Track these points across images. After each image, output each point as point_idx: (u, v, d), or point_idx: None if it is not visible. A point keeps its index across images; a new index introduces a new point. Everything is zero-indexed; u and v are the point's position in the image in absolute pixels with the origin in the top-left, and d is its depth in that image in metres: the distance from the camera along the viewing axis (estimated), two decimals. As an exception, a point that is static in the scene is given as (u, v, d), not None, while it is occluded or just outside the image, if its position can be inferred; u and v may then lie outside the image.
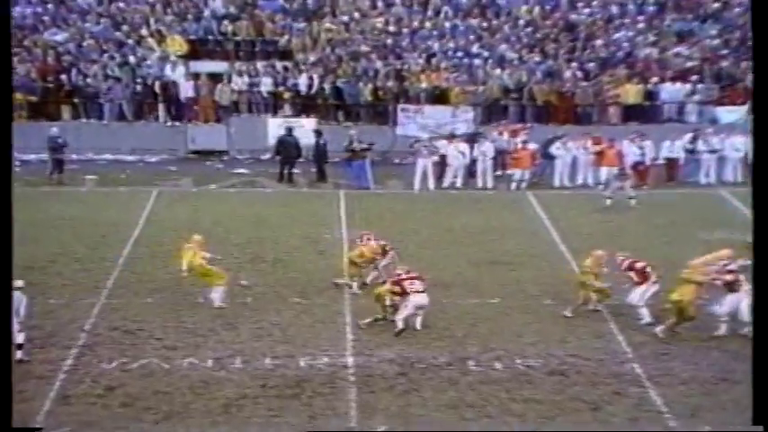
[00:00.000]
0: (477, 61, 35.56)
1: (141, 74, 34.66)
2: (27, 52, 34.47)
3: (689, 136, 30.98)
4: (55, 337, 17.62)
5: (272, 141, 32.31)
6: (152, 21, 36.61)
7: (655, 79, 34.57)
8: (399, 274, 18.41)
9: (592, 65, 35.34)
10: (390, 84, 34.55)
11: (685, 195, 28.72)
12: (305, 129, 32.41)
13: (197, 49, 36.22)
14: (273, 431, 14.66)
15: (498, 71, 35.07)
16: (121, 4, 36.74)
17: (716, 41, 35.85)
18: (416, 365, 16.71)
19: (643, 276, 18.79)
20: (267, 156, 32.68)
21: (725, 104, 33.60)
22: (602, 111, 34.50)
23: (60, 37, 35.70)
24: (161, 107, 34.50)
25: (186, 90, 34.44)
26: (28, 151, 29.74)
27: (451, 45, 36.33)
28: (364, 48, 36.07)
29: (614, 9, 37.44)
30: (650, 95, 34.44)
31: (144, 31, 36.24)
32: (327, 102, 34.50)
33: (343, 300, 19.80)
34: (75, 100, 34.09)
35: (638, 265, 18.98)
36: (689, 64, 35.12)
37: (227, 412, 15.15)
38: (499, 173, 30.59)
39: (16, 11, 34.55)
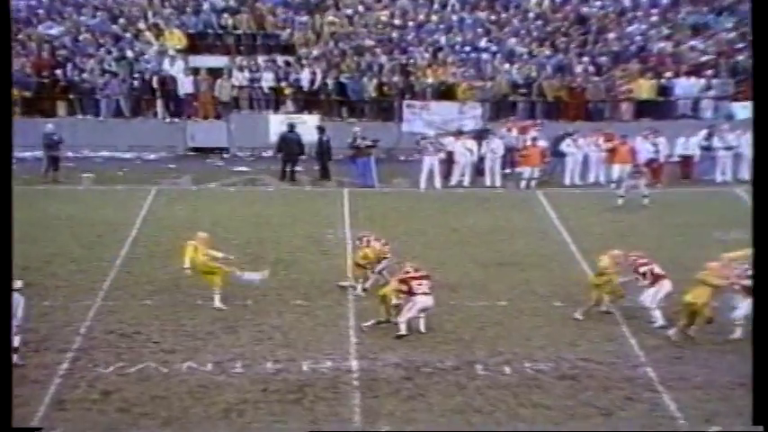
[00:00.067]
0: (485, 56, 35.55)
1: (139, 69, 34.67)
2: (21, 46, 34.51)
3: (704, 132, 30.94)
4: (50, 341, 17.65)
5: (273, 138, 32.31)
6: (150, 14, 36.66)
7: (669, 74, 34.54)
8: (408, 272, 18.35)
9: (604, 59, 35.31)
10: (395, 79, 34.53)
11: (700, 194, 28.69)
12: (307, 125, 32.39)
13: (196, 44, 36.25)
14: (275, 437, 14.70)
15: (507, 66, 35.06)
16: (119, -3, 36.83)
17: (732, 35, 35.83)
18: (422, 369, 16.72)
19: (653, 277, 18.75)
20: (269, 153, 32.70)
21: (741, 100, 33.47)
22: (615, 107, 34.50)
23: (55, 30, 35.75)
24: (159, 103, 34.49)
25: (185, 85, 34.44)
26: (22, 149, 29.59)
27: (459, 39, 36.32)
28: (368, 42, 36.08)
29: (627, 1, 37.48)
30: (664, 91, 34.41)
31: (142, 25, 36.28)
32: (331, 98, 34.48)
33: (346, 302, 19.82)
34: (71, 96, 34.10)
35: (647, 265, 18.90)
36: (704, 58, 35.09)
37: (228, 418, 15.17)
38: (508, 171, 30.59)
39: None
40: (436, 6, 37.56)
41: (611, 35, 36.28)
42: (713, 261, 18.20)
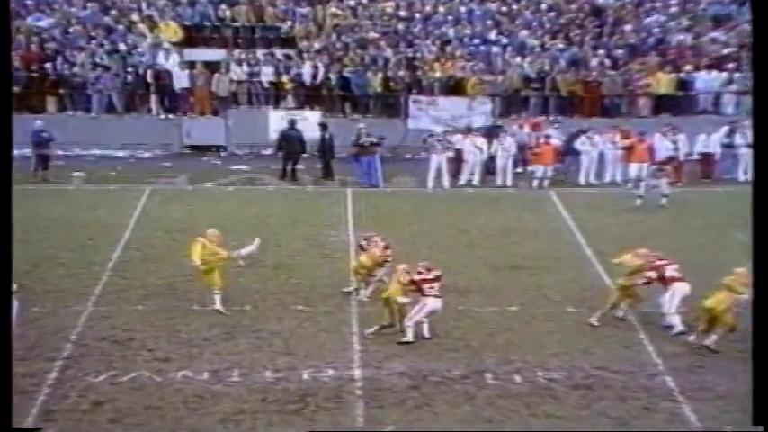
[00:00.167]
0: (495, 49, 35.59)
1: (132, 62, 34.74)
2: (9, 39, 34.54)
3: (725, 129, 30.92)
4: (38, 348, 17.64)
5: (273, 136, 32.36)
6: (144, 5, 36.77)
7: (688, 67, 34.56)
8: (420, 272, 18.32)
9: (620, 52, 35.34)
10: (401, 73, 34.57)
11: (722, 194, 28.65)
12: (309, 122, 32.42)
13: (192, 36, 36.33)
14: (274, 449, 14.73)
15: (518, 59, 35.11)
16: (111, -13, 36.91)
17: (755, 26, 35.76)
18: (429, 378, 16.71)
19: (664, 280, 18.68)
20: (268, 151, 32.75)
21: (765, 94, 33.43)
22: (632, 102, 34.52)
23: (45, 22, 35.83)
24: (154, 98, 34.57)
25: (181, 80, 34.49)
26: (10, 147, 29.76)
27: (468, 31, 36.36)
28: (373, 34, 36.13)
29: (644, -9, 37.47)
30: (684, 85, 34.41)
31: (135, 16, 36.36)
32: (333, 93, 34.54)
33: (349, 307, 19.80)
34: (61, 91, 34.19)
35: (658, 268, 18.82)
36: (726, 51, 35.07)
37: (225, 429, 15.15)
38: (519, 170, 30.62)
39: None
40: (444, -3, 37.62)
41: (628, 27, 36.30)
42: (740, 267, 17.76)
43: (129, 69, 34.53)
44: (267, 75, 34.78)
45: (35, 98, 33.90)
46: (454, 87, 34.48)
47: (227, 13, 36.62)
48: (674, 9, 36.82)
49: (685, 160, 30.19)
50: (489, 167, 30.43)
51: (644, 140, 29.85)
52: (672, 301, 18.62)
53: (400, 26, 36.69)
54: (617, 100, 34.50)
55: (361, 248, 20.58)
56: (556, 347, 18.09)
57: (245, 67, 34.84)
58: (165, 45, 35.21)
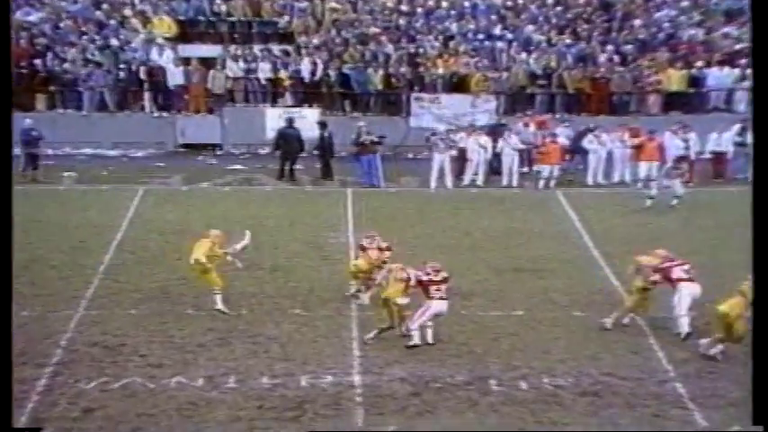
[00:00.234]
0: (500, 44, 35.61)
1: (125, 58, 34.77)
2: (-3, 35, 34.57)
3: (738, 127, 30.91)
4: (27, 354, 17.62)
5: (270, 134, 32.38)
6: (137, -1, 36.79)
7: (700, 63, 34.56)
8: (428, 273, 18.29)
9: (629, 48, 35.36)
10: (403, 70, 34.59)
11: (734, 194, 28.58)
12: (308, 120, 32.47)
13: (187, 31, 36.37)
14: (271, 458, 14.73)
15: (524, 55, 35.11)
16: (103, -19, 36.93)
17: (769, 21, 35.76)
18: (431, 385, 16.70)
19: (670, 281, 18.66)
20: (265, 150, 32.76)
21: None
22: (641, 99, 34.55)
23: (34, 17, 35.85)
24: (147, 96, 34.60)
25: (175, 77, 34.53)
26: (-2, 145, 29.77)
27: (471, 26, 36.39)
28: (374, 29, 36.13)
29: (654, -15, 37.49)
30: (695, 82, 34.42)
31: (128, 11, 36.41)
32: (333, 90, 34.56)
33: (349, 311, 19.80)
34: (51, 88, 34.23)
35: (662, 270, 18.82)
36: (738, 46, 35.05)
37: (220, 437, 15.19)
38: (525, 169, 30.62)
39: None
40: (447, -9, 37.63)
41: (638, 21, 36.32)
42: None
43: (122, 66, 34.55)
44: (264, 71, 34.80)
45: (24, 95, 33.79)
46: (457, 84, 34.50)
47: (223, 7, 36.65)
48: (685, 3, 36.83)
49: (696, 159, 30.19)
50: (494, 167, 30.45)
51: (654, 139, 29.84)
52: (680, 303, 18.58)
53: (402, 21, 36.72)
54: (626, 97, 34.52)
55: (362, 248, 20.56)
56: (562, 353, 18.08)
57: (241, 64, 34.87)
58: (159, 40, 35.23)
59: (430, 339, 18.18)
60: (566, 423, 15.58)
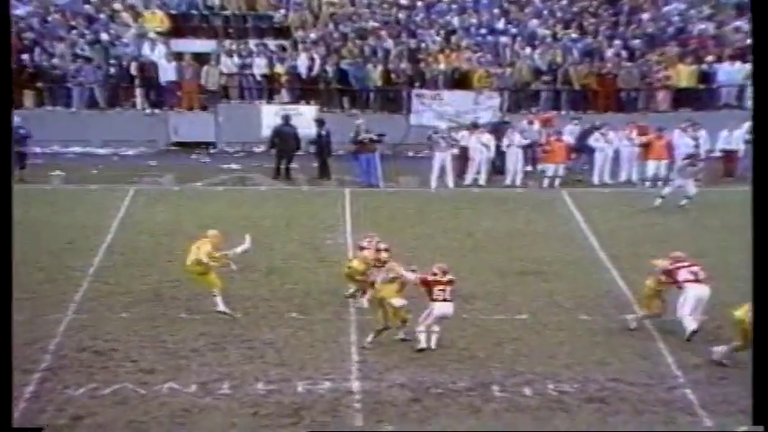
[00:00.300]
0: (503, 39, 35.64)
1: (115, 54, 34.79)
2: (-17, 29, 34.60)
3: (749, 124, 30.80)
4: (14, 360, 17.58)
5: (266, 132, 32.38)
6: (127, -8, 36.81)
7: (710, 58, 34.57)
8: (435, 273, 18.31)
9: (637, 42, 35.37)
10: (403, 65, 34.62)
11: (745, 194, 28.45)
12: (304, 117, 32.51)
13: (179, 26, 36.41)
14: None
15: (528, 50, 35.12)
16: (92, -27, 36.95)
17: (781, 14, 35.79)
18: (432, 391, 16.70)
19: (677, 283, 18.67)
20: (261, 149, 32.77)
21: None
22: (650, 96, 34.57)
23: (22, 11, 35.85)
24: (138, 92, 34.63)
25: (167, 72, 34.53)
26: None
27: (474, 20, 36.42)
28: (373, 24, 36.14)
29: (663, -22, 37.53)
30: (705, 77, 34.45)
31: (118, 5, 36.44)
32: (330, 86, 34.58)
33: (347, 315, 19.81)
34: (40, 84, 34.25)
35: (670, 272, 18.85)
36: (750, 41, 35.02)
37: (213, 445, 15.20)
38: (529, 168, 30.62)
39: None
40: (448, -16, 37.66)
41: (646, 15, 36.35)
42: None
43: (112, 61, 34.57)
44: (260, 67, 34.81)
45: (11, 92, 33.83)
46: (459, 80, 34.51)
47: (217, 0, 36.65)
48: (694, -4, 36.92)
49: (706, 158, 30.18)
50: (497, 166, 30.47)
51: (662, 137, 29.87)
52: (684, 304, 18.60)
53: (402, 15, 36.74)
54: (634, 93, 34.55)
55: (360, 249, 20.57)
56: (567, 358, 18.08)
57: (235, 59, 34.87)
58: (151, 35, 35.25)
59: (433, 345, 18.18)
60: (571, 431, 15.58)
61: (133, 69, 34.45)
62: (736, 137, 30.78)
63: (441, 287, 18.13)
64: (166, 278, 21.48)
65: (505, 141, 30.23)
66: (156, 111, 34.41)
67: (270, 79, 34.78)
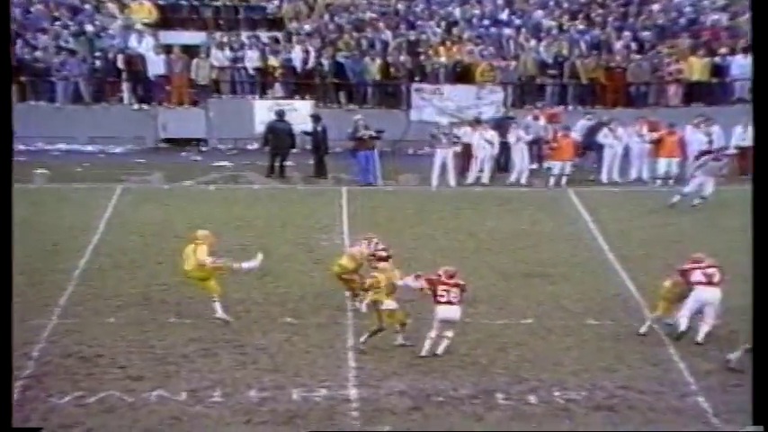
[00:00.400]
0: (507, 31, 35.67)
1: (101, 46, 34.81)
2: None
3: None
4: (-4, 366, 17.68)
5: (259, 128, 32.45)
6: (114, -18, 36.82)
7: (724, 51, 34.57)
8: (440, 276, 18.33)
9: (647, 34, 35.37)
10: (402, 58, 34.63)
11: (761, 193, 28.65)
12: (299, 113, 32.55)
13: (168, 17, 36.44)
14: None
15: (533, 43, 35.13)
16: (77, -38, 36.96)
17: (798, 5, 35.83)
18: (432, 398, 16.72)
19: (689, 284, 18.74)
20: (254, 146, 32.81)
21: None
22: (661, 90, 34.58)
23: (3, 2, 35.83)
24: (125, 87, 34.65)
25: (156, 66, 34.55)
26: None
27: (476, 11, 36.46)
28: (370, 15, 36.16)
29: (675, -34, 37.56)
30: (718, 71, 34.47)
31: (104, -5, 36.44)
32: (326, 80, 34.60)
33: (343, 319, 19.83)
34: (22, 78, 34.17)
35: (684, 273, 18.92)
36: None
37: (204, 455, 15.25)
38: (534, 166, 30.64)
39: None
40: (450, -28, 37.70)
41: (656, 6, 36.40)
42: None
43: (98, 54, 34.59)
44: (252, 60, 34.82)
45: (-8, 86, 33.88)
46: (461, 74, 34.53)
47: (208, -10, 36.73)
48: (707, -14, 36.95)
49: (730, 153, 30.14)
50: (500, 163, 30.49)
51: (674, 133, 29.90)
52: (687, 304, 18.66)
53: (401, 6, 36.79)
54: (644, 88, 34.57)
55: (368, 246, 20.58)
56: (574, 364, 18.10)
57: (227, 52, 34.89)
58: (138, 27, 35.29)
59: (439, 351, 18.16)
60: (578, 440, 15.67)
61: (120, 63, 34.46)
62: (752, 132, 30.71)
63: (444, 288, 18.12)
64: (155, 281, 21.51)
65: (512, 137, 30.21)
66: (144, 106, 34.43)
67: (263, 73, 34.79)
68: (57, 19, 35.44)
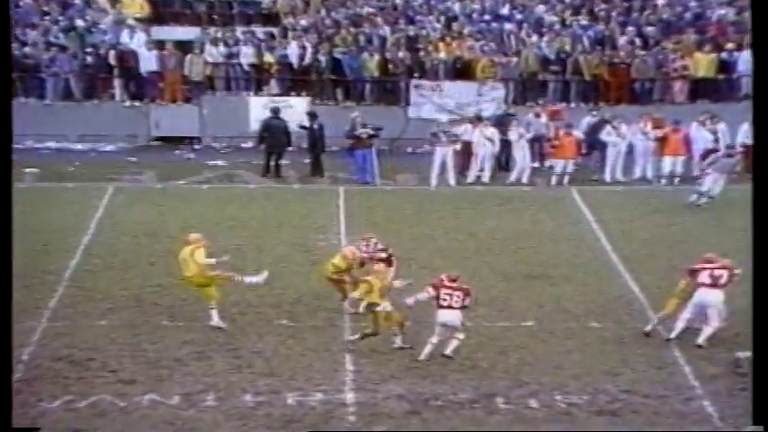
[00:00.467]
0: (508, 26, 35.67)
1: (92, 42, 34.78)
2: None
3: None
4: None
5: (254, 126, 32.45)
6: (105, -24, 36.84)
7: (730, 46, 34.56)
8: (442, 280, 18.39)
9: (652, 29, 35.38)
10: (401, 54, 34.62)
11: (768, 192, 28.68)
12: (295, 110, 32.52)
13: (161, 12, 36.44)
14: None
15: (535, 38, 35.14)
16: (67, -44, 36.97)
17: (807, -1, 35.86)
18: (431, 403, 16.77)
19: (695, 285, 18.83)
20: (249, 144, 32.81)
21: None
22: (666, 86, 34.56)
23: (-9, -4, 35.86)
24: (117, 83, 34.61)
25: (148, 62, 34.52)
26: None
27: (476, 6, 36.42)
28: (368, 10, 36.17)
29: (680, -40, 37.58)
30: (725, 67, 34.46)
31: (95, -10, 36.45)
32: (323, 77, 34.57)
33: (340, 322, 19.84)
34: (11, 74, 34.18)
35: (693, 273, 19.00)
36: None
37: (198, 461, 15.30)
38: (536, 164, 30.67)
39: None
40: (449, -33, 37.72)
41: (661, 1, 36.37)
42: None
43: (89, 50, 34.55)
44: (247, 56, 34.80)
45: (-19, 83, 33.88)
46: (461, 70, 34.53)
47: (201, -15, 36.75)
48: (713, -20, 36.98)
49: (743, 150, 30.15)
50: (501, 162, 30.50)
51: (679, 130, 29.91)
52: (688, 308, 18.72)
53: (399, 0, 36.75)
54: (648, 84, 34.56)
55: (368, 246, 20.62)
56: (576, 368, 18.15)
57: (221, 48, 34.87)
58: (130, 22, 35.28)
59: (448, 351, 18.14)
60: (580, 445, 15.72)
61: (111, 58, 34.42)
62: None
63: (447, 291, 18.17)
64: (148, 283, 21.54)
65: (513, 134, 30.19)
66: (137, 103, 34.41)
67: (258, 69, 34.77)
68: (46, 14, 35.43)
